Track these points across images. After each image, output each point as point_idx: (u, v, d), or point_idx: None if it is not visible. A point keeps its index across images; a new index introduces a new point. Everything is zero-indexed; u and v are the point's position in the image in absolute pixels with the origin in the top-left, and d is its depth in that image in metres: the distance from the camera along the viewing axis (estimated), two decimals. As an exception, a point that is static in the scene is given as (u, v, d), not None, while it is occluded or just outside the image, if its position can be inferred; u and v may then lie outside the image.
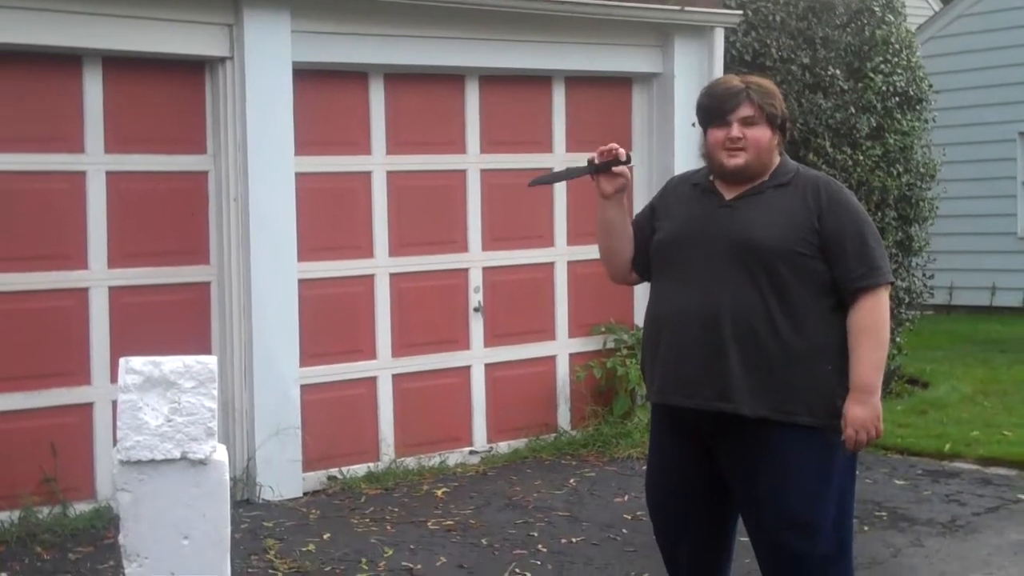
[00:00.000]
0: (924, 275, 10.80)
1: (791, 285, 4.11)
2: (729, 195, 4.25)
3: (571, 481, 7.90)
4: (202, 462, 3.73)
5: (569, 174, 4.48)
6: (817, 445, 4.14)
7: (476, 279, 8.60)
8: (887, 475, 7.96)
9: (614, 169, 4.33)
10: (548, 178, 4.66)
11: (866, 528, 6.69)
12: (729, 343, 4.10)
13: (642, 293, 8.58)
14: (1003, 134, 15.52)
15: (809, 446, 4.14)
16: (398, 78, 8.22)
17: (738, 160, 4.19)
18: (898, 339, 10.45)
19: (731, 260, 4.14)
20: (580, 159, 8.99)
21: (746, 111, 4.18)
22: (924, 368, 11.43)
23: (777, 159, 4.29)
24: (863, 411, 4.09)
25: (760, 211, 4.18)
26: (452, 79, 8.47)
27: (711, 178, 4.33)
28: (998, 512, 7.11)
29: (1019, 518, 6.98)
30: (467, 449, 8.55)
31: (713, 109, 4.25)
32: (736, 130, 4.17)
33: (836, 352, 4.14)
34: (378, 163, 8.18)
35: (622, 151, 4.33)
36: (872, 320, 4.14)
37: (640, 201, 8.89)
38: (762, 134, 4.19)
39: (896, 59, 10.17)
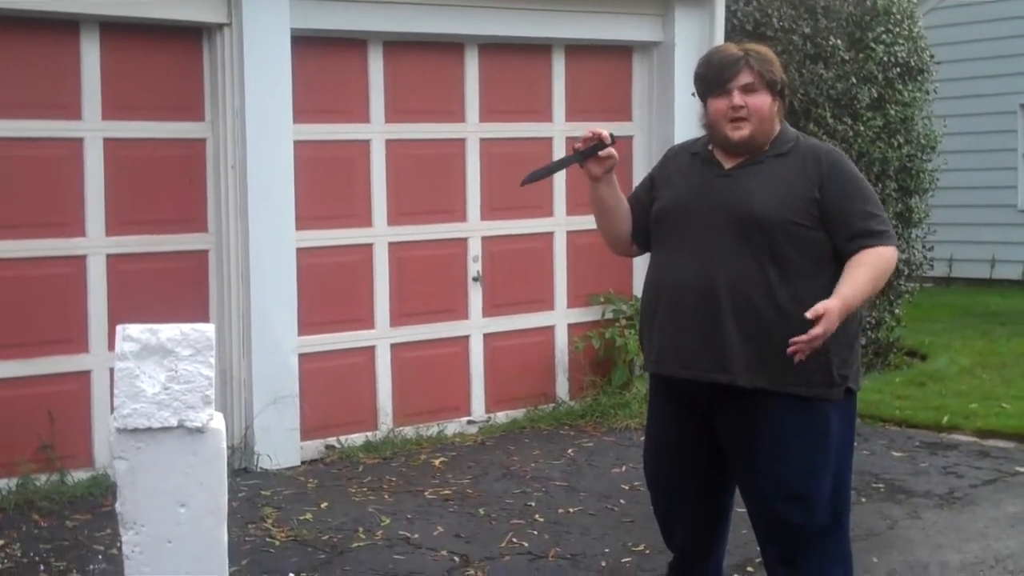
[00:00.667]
0: (924, 247, 10.78)
1: (790, 256, 4.08)
2: (729, 164, 4.23)
3: (569, 451, 7.90)
4: (199, 430, 3.73)
5: (559, 165, 4.46)
6: (814, 416, 4.13)
7: (475, 248, 8.58)
8: (885, 447, 7.97)
9: (600, 153, 4.30)
10: (539, 173, 4.61)
11: (863, 500, 6.70)
12: (727, 314, 4.09)
13: (641, 263, 8.55)
14: (1004, 106, 15.47)
15: (806, 417, 4.13)
16: (397, 46, 8.18)
17: (743, 132, 4.15)
18: (897, 311, 10.44)
19: (730, 230, 4.12)
20: (579, 128, 8.94)
21: (746, 78, 4.14)
22: (923, 340, 11.42)
23: (778, 127, 4.26)
24: (837, 316, 3.95)
25: (760, 181, 4.15)
26: (451, 47, 8.43)
27: (710, 147, 4.30)
28: (995, 484, 7.12)
29: (1016, 490, 6.99)
30: (465, 419, 8.55)
31: (712, 78, 4.21)
32: (738, 98, 4.13)
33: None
34: (377, 131, 8.15)
35: (605, 133, 4.28)
36: (875, 258, 4.08)
37: (639, 171, 8.90)
38: (763, 101, 4.15)
39: (897, 29, 10.12)
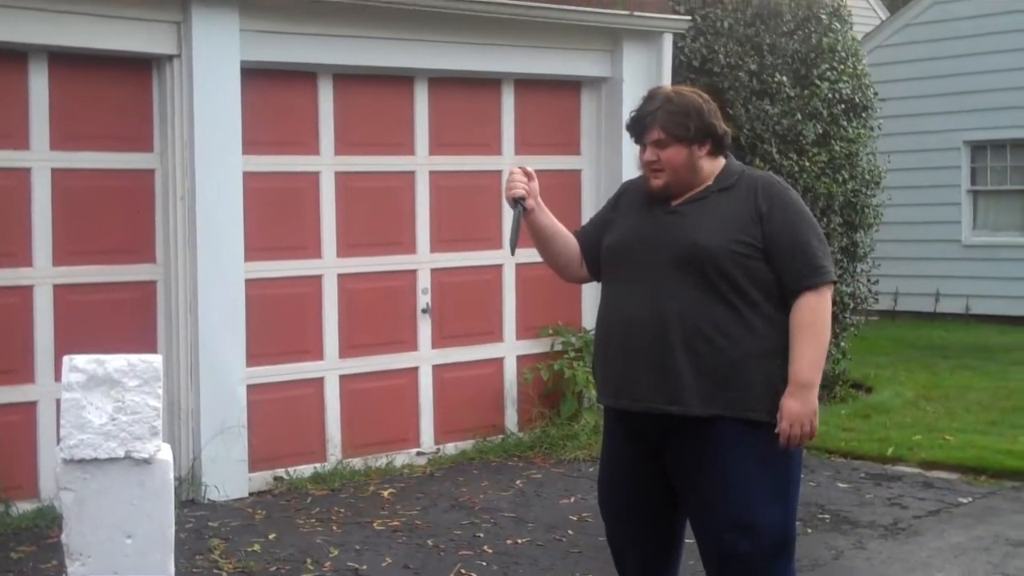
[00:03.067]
0: (869, 281, 10.91)
1: (735, 286, 4.15)
2: (675, 201, 4.30)
3: (517, 482, 7.92)
4: (146, 461, 3.71)
5: (517, 222, 4.49)
6: (762, 445, 4.17)
7: (424, 280, 8.60)
8: (830, 478, 8.04)
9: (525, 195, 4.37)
10: (513, 237, 4.62)
11: (809, 530, 6.75)
12: (677, 346, 4.14)
13: (590, 295, 8.62)
14: (948, 142, 15.69)
15: (754, 446, 4.17)
16: (347, 79, 8.21)
17: (659, 181, 4.29)
18: (843, 344, 10.54)
19: (677, 265, 4.18)
20: (528, 162, 9.01)
21: (654, 135, 4.26)
22: (868, 373, 11.54)
23: (719, 163, 4.33)
24: (798, 406, 4.14)
25: (703, 216, 4.22)
26: (401, 80, 8.47)
27: (658, 185, 4.38)
28: (939, 515, 7.19)
29: (959, 521, 7.07)
30: (414, 450, 8.55)
31: (632, 130, 4.37)
32: (650, 153, 4.27)
33: (783, 351, 4.18)
34: (326, 163, 8.17)
35: (518, 186, 4.36)
36: (812, 318, 4.18)
37: (587, 204, 8.97)
38: (675, 155, 4.25)
39: (842, 67, 10.27)
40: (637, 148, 4.36)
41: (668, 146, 4.24)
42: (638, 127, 4.30)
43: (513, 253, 4.67)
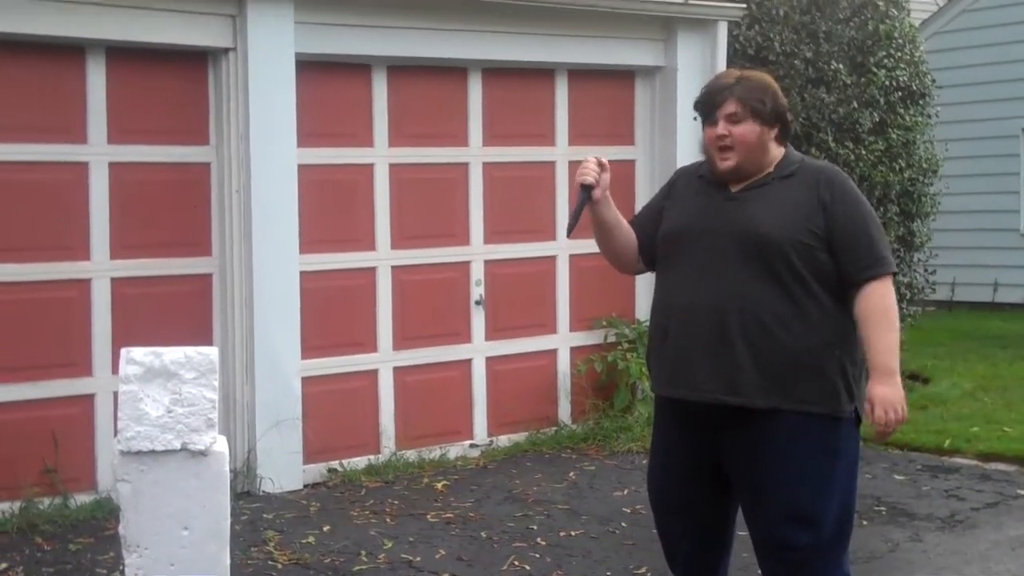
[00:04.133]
0: (926, 271, 10.81)
1: (797, 276, 4.12)
2: (735, 187, 4.27)
3: (571, 475, 7.91)
4: (202, 453, 3.75)
5: (580, 207, 4.44)
6: (823, 434, 4.15)
7: (478, 272, 8.60)
8: (887, 470, 7.97)
9: (595, 182, 4.31)
10: (573, 221, 4.57)
11: (865, 522, 6.70)
12: (737, 335, 4.11)
13: (643, 287, 8.59)
14: (1007, 130, 15.50)
15: (816, 435, 4.15)
16: (401, 70, 8.22)
17: (729, 162, 4.22)
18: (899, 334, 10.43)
19: (737, 252, 4.15)
20: (582, 152, 9.00)
21: (730, 108, 4.21)
22: (925, 364, 11.44)
23: (780, 151, 4.30)
24: (889, 391, 4.10)
25: (765, 203, 4.19)
26: (455, 72, 8.47)
27: (717, 171, 4.35)
28: (997, 508, 7.12)
29: (1018, 513, 6.99)
30: (467, 442, 8.56)
31: (703, 106, 4.31)
32: (722, 127, 4.21)
33: (842, 341, 4.15)
34: (380, 155, 8.19)
35: (589, 174, 4.29)
36: (884, 304, 4.15)
37: (641, 194, 8.94)
38: (748, 131, 4.20)
39: (899, 54, 10.16)
40: (692, 137, 4.33)
41: (742, 121, 4.20)
42: (712, 101, 4.24)
43: (569, 235, 4.65)
